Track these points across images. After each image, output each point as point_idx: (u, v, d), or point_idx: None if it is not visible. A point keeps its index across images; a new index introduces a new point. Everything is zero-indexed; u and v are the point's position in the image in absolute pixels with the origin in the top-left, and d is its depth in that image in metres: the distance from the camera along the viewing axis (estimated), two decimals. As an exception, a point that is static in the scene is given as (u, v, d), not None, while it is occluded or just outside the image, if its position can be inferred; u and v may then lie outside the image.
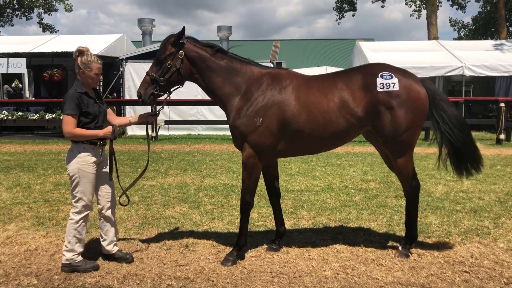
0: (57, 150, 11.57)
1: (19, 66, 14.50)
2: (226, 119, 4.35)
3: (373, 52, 17.51)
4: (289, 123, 4.05)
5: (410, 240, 4.33)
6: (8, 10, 27.64)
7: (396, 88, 4.00)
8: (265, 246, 4.55)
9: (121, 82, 16.01)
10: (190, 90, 14.94)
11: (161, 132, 14.65)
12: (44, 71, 16.08)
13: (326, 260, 4.19)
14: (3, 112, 14.67)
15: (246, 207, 4.19)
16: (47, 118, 14.38)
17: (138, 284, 3.70)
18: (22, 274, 3.88)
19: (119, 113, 16.47)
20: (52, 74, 14.88)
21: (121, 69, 15.71)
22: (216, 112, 14.59)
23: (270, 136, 4.04)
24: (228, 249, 4.38)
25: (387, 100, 3.98)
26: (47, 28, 28.66)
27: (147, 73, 4.18)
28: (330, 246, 4.54)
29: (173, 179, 7.92)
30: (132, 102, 15.56)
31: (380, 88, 4.00)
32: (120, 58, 15.97)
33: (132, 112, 15.85)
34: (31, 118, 14.54)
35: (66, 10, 27.57)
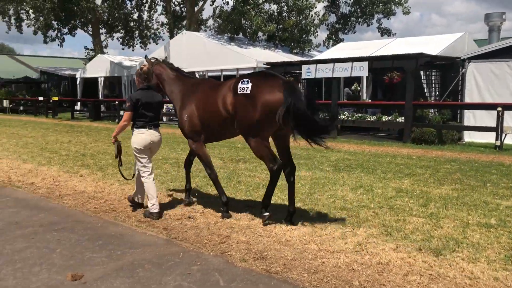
0: (393, 153, 11.48)
1: (362, 70, 15.21)
2: None
3: None
4: (198, 117, 5.63)
5: (265, 207, 5.32)
6: (352, 18, 30.01)
7: (248, 91, 5.03)
8: None
9: (460, 84, 14.80)
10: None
11: (508, 141, 12.68)
12: (382, 74, 16.46)
13: None
14: (344, 113, 15.77)
15: (210, 176, 5.91)
16: (383, 120, 14.60)
17: None
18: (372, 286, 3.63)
19: (455, 118, 15.28)
20: (392, 76, 15.03)
21: (463, 70, 14.48)
22: None
23: (194, 127, 5.71)
24: None
25: (242, 100, 5.07)
26: (385, 32, 29.65)
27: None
28: None
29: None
30: (471, 106, 14.17)
31: (240, 91, 5.10)
32: (461, 58, 14.74)
33: (471, 117, 14.42)
34: (369, 119, 15.07)
35: (404, 13, 27.78)
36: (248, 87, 5.05)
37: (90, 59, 33.26)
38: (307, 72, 16.48)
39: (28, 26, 31.91)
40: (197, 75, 22.25)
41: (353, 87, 20.12)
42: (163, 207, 6.17)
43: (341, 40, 29.69)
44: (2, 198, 6.74)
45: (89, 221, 5.61)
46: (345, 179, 8.02)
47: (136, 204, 6.20)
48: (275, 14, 26.39)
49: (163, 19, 36.95)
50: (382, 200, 6.49)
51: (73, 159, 10.26)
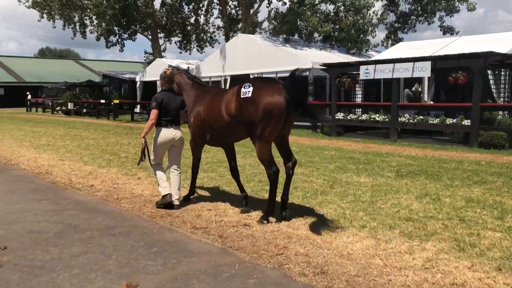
0: (459, 158, 10.77)
1: (424, 70, 14.48)
2: None
3: None
4: (204, 120, 6.06)
5: (268, 212, 5.63)
6: (412, 17, 28.89)
7: (249, 95, 5.35)
8: None
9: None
10: None
11: None
12: (445, 74, 15.58)
13: None
14: (405, 115, 15.09)
15: (196, 165, 6.61)
16: (447, 123, 13.81)
17: None
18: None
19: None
20: (457, 77, 14.17)
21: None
22: None
23: (198, 129, 6.21)
24: None
25: (245, 103, 5.39)
26: (447, 31, 28.28)
27: None
28: None
29: None
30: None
31: (242, 95, 5.43)
32: (536, 56, 13.68)
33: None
34: (431, 122, 14.31)
35: (468, 10, 26.37)
36: (249, 91, 5.38)
37: (149, 63, 34.19)
38: (365, 73, 15.95)
39: (91, 32, 33.35)
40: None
41: (413, 88, 19.25)
42: (219, 212, 6.04)
43: (400, 40, 28.66)
44: (62, 201, 6.87)
45: (145, 226, 5.57)
46: (408, 186, 7.56)
47: (174, 205, 6.35)
48: (332, 14, 25.88)
49: (219, 22, 37.31)
50: (451, 211, 6.00)
51: (132, 161, 10.42)
